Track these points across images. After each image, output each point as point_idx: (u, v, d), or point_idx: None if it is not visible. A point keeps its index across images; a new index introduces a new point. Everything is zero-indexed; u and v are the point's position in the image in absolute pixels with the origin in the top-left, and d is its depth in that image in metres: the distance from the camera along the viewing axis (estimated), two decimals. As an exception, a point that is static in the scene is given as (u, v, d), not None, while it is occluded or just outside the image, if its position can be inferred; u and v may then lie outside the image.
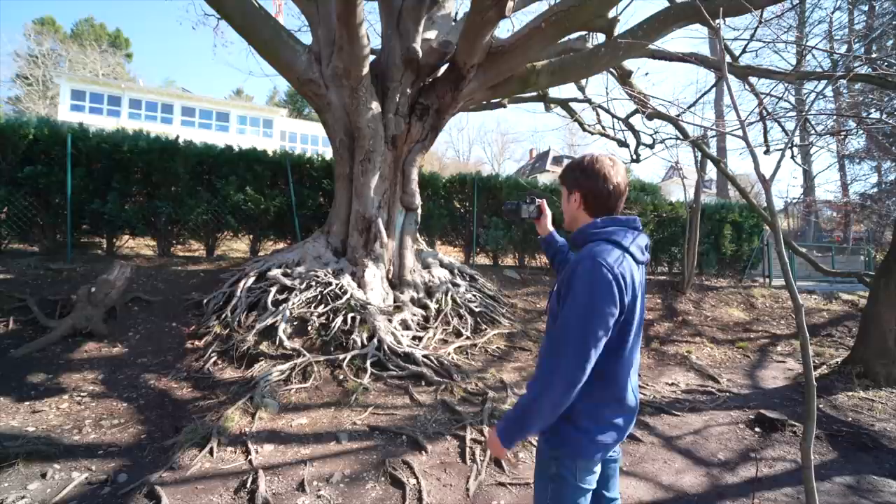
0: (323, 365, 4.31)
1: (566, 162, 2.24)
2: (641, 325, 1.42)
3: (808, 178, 17.56)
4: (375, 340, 4.61)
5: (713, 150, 12.60)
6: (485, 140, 74.06)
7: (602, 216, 1.41)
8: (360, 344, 4.58)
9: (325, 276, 5.29)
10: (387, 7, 5.77)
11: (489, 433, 1.40)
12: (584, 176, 1.42)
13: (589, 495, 1.42)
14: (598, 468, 1.42)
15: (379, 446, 3.17)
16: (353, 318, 4.86)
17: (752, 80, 6.69)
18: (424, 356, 4.58)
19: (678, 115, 5.18)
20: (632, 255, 1.32)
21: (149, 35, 71.97)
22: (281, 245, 7.58)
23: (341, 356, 4.37)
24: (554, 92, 8.49)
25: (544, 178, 20.75)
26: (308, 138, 29.16)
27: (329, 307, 4.94)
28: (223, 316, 4.85)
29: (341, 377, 4.18)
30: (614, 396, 1.35)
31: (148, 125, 17.50)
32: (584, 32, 6.38)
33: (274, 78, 68.47)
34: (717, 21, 2.30)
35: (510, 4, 4.41)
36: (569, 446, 1.35)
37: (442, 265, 6.52)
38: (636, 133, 8.61)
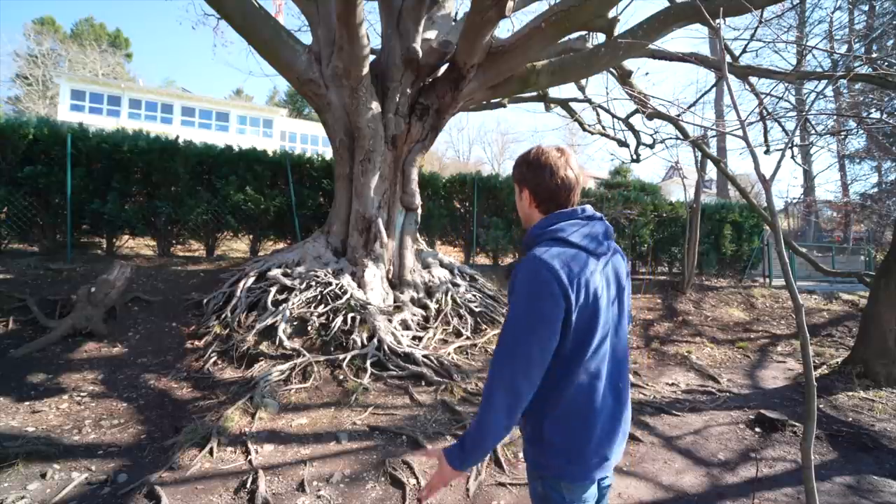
0: (323, 365, 4.31)
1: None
2: (617, 323, 1.26)
3: (809, 178, 17.58)
4: (375, 340, 4.61)
5: (713, 150, 12.60)
6: (485, 140, 73.76)
7: (553, 212, 1.27)
8: (360, 344, 4.58)
9: (325, 276, 5.29)
10: (387, 7, 5.77)
11: (438, 458, 1.22)
12: (529, 170, 1.29)
13: None
14: (590, 491, 1.25)
15: (379, 446, 3.17)
16: (353, 318, 4.86)
17: (753, 80, 6.70)
18: (424, 356, 4.58)
19: (678, 115, 5.17)
20: (583, 247, 1.18)
21: (149, 35, 71.93)
22: (281, 245, 7.58)
23: (341, 356, 4.37)
24: (554, 92, 8.50)
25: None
26: (308, 138, 29.14)
27: (329, 307, 4.94)
28: (223, 316, 4.85)
29: (341, 377, 4.18)
30: (583, 408, 1.18)
31: (148, 125, 17.50)
32: (584, 32, 6.38)
33: (274, 78, 68.34)
34: (717, 21, 2.30)
35: (510, 4, 4.41)
36: (549, 469, 1.22)
37: (442, 265, 6.52)
38: (636, 133, 8.62)
